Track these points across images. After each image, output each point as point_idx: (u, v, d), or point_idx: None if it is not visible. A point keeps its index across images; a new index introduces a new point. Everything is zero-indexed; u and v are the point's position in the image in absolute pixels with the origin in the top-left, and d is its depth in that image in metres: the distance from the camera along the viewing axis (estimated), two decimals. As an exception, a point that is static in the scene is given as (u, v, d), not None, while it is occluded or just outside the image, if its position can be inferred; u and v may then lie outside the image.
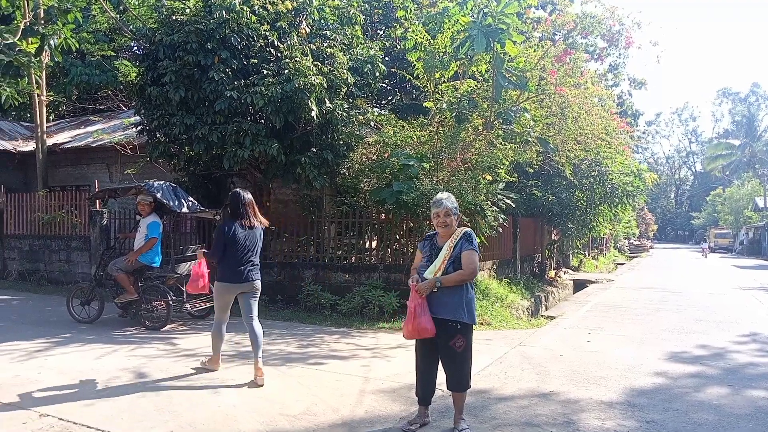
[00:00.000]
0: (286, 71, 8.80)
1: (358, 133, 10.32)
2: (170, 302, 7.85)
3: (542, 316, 11.43)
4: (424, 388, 4.40)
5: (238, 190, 5.83)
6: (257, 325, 5.64)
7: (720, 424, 4.60)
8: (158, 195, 7.98)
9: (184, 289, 8.13)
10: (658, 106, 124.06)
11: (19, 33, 10.48)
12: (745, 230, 46.84)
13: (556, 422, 4.56)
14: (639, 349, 7.39)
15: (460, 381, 4.31)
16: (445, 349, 4.24)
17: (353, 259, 10.22)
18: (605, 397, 5.23)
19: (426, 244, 4.46)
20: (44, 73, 14.88)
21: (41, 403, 4.79)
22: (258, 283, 5.74)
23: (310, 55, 9.25)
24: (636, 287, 16.09)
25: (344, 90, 9.77)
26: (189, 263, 8.18)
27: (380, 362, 6.43)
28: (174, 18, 9.31)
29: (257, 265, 5.76)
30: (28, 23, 10.83)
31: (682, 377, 6.04)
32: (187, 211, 8.38)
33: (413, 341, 4.47)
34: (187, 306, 8.16)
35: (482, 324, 8.98)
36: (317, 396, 5.12)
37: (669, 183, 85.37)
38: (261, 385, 5.33)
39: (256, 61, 9.20)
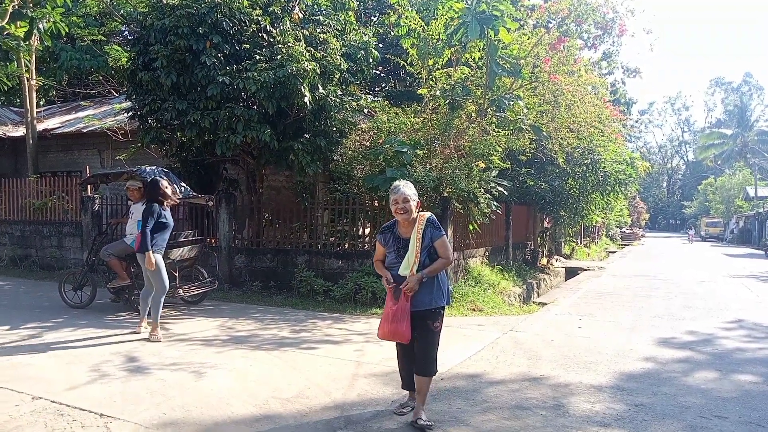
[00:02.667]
0: (279, 57, 8.76)
1: (351, 119, 10.29)
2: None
3: (534, 302, 11.49)
4: (408, 374, 4.38)
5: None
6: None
7: (707, 407, 4.67)
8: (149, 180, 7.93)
9: (176, 274, 8.14)
10: (651, 95, 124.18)
11: (8, 16, 10.37)
12: (735, 219, 47.17)
13: (546, 405, 4.61)
14: (629, 335, 7.47)
15: (428, 363, 4.19)
16: (423, 330, 4.16)
17: (346, 245, 10.23)
18: (595, 381, 5.29)
19: (388, 236, 4.29)
20: (34, 57, 14.75)
21: (34, 385, 4.79)
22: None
23: (303, 41, 9.21)
24: (627, 275, 16.20)
25: (337, 76, 9.73)
26: (181, 249, 8.17)
27: (373, 347, 6.46)
28: (165, 2, 9.24)
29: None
30: (17, 6, 10.70)
31: (670, 362, 6.11)
32: (180, 196, 8.34)
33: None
34: (180, 291, 8.15)
35: (474, 310, 9.04)
36: (310, 380, 5.15)
37: (661, 172, 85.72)
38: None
39: (248, 46, 9.15)
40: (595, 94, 14.11)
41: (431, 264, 4.11)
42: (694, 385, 5.30)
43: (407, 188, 4.19)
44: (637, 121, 50.08)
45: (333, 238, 10.39)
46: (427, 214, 4.22)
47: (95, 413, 4.21)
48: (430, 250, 4.12)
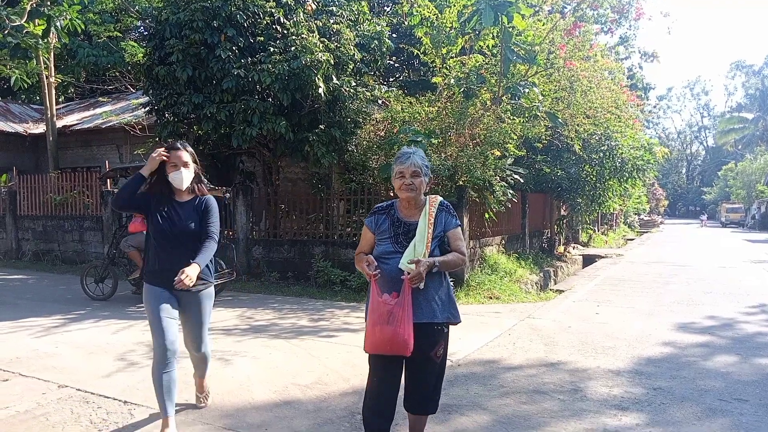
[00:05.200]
0: (293, 48, 8.79)
1: (365, 109, 10.31)
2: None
3: (551, 290, 11.45)
4: (384, 412, 3.04)
5: None
6: None
7: (727, 390, 4.64)
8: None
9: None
10: (669, 80, 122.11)
11: (26, 15, 10.50)
12: (757, 204, 46.28)
13: (564, 389, 4.62)
14: (647, 321, 7.43)
15: (432, 400, 3.20)
16: (422, 360, 3.05)
17: (362, 235, 10.27)
18: (613, 366, 5.28)
19: (382, 219, 3.16)
20: (52, 54, 14.97)
21: (60, 374, 4.92)
22: None
23: (316, 32, 9.22)
24: (646, 262, 16.05)
25: (351, 66, 9.74)
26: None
27: (390, 335, 6.50)
28: (179, -4, 9.30)
29: None
30: (34, 5, 10.84)
31: (690, 347, 6.08)
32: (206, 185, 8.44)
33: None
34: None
35: (491, 298, 9.05)
36: (328, 367, 5.22)
37: (680, 158, 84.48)
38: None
39: (262, 38, 9.19)
40: (611, 79, 13.97)
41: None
42: (714, 369, 5.27)
43: (418, 157, 3.08)
44: (655, 107, 49.41)
45: (349, 229, 10.45)
46: (439, 197, 3.23)
47: (119, 400, 4.31)
48: (442, 241, 3.12)
